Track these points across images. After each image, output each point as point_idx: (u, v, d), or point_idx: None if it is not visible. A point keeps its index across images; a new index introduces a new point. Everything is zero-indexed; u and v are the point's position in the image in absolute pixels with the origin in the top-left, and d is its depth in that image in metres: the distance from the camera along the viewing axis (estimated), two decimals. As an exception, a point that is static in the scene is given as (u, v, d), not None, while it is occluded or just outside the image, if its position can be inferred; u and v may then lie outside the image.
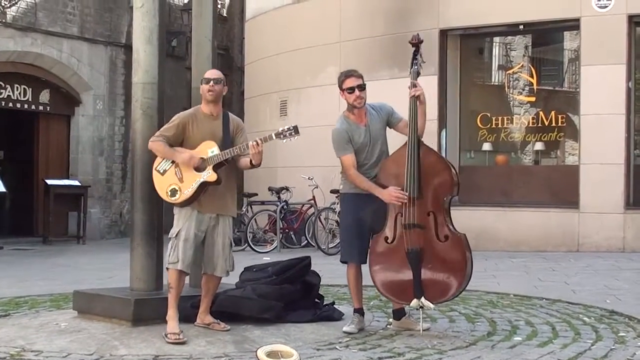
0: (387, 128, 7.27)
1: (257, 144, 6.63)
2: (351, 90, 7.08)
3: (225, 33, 25.11)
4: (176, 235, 6.78)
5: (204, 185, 6.76)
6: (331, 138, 7.16)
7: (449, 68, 15.86)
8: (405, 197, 6.80)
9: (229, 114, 7.09)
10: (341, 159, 7.12)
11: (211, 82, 6.90)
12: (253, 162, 6.74)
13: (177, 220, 6.86)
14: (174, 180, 6.82)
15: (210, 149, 6.79)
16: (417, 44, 7.20)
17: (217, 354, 6.31)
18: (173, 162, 6.86)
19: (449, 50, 15.89)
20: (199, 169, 6.77)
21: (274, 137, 6.70)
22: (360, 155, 7.10)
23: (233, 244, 7.12)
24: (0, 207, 18.42)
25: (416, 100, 6.94)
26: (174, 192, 6.80)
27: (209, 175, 6.76)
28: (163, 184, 6.88)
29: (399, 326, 7.20)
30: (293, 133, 6.68)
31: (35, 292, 10.18)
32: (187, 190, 6.75)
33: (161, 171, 6.91)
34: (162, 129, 7.03)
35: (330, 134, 7.17)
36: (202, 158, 6.78)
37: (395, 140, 7.19)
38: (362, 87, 7.08)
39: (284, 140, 6.77)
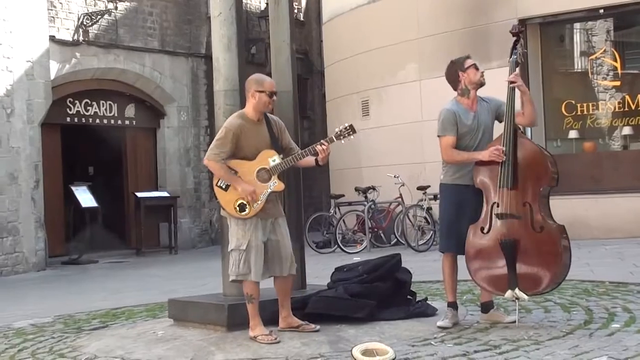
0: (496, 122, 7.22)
1: (327, 146, 6.75)
2: (477, 68, 7.15)
3: (303, 37, 25.23)
4: (246, 247, 6.76)
5: (270, 195, 6.84)
6: (438, 117, 7.13)
7: (530, 57, 15.62)
8: (503, 153, 6.75)
9: (268, 115, 7.06)
10: (441, 139, 7.07)
11: (274, 97, 6.94)
12: (320, 163, 6.86)
13: (243, 231, 6.81)
14: (239, 194, 6.82)
15: (271, 158, 6.84)
16: (517, 33, 7.27)
17: (312, 354, 6.34)
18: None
19: (529, 39, 15.66)
20: (263, 179, 6.82)
21: (334, 139, 6.81)
22: (463, 139, 7.04)
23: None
24: (93, 222, 18.73)
25: (513, 90, 6.92)
26: (242, 207, 6.79)
27: (276, 185, 6.85)
28: (229, 199, 6.85)
29: (487, 319, 7.14)
30: (350, 132, 6.80)
31: (131, 302, 10.38)
32: (257, 204, 6.78)
33: (223, 187, 6.88)
34: (216, 144, 6.90)
35: (437, 115, 7.08)
36: (264, 168, 6.81)
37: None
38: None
39: (343, 141, 6.86)
